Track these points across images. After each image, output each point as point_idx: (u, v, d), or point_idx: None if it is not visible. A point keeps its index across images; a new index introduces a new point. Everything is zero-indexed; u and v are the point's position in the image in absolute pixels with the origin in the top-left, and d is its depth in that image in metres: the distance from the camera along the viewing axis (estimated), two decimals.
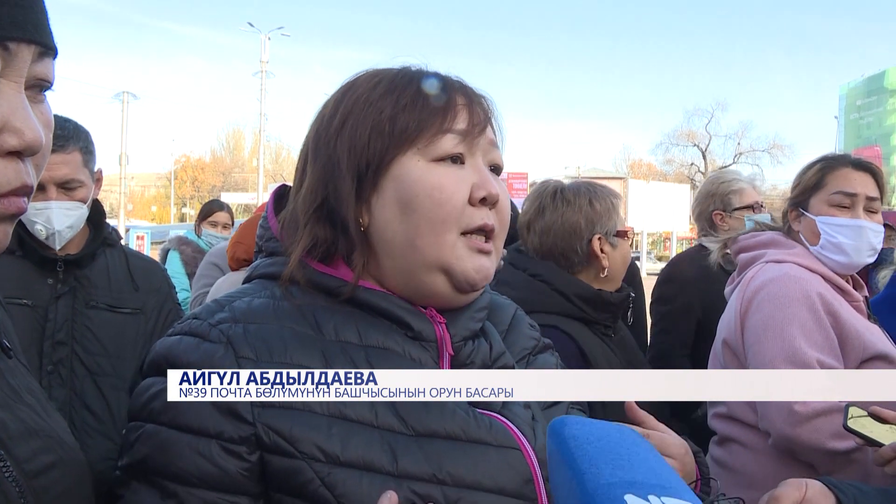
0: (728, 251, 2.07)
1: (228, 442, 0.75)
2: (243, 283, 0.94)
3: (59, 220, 1.79)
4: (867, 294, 1.92)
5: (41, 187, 1.76)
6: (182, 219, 50.09)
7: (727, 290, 1.99)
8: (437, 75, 0.88)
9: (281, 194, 0.97)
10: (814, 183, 1.83)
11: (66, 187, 1.80)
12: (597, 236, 1.81)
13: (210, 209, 4.67)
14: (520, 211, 2.00)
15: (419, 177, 0.83)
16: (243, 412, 0.75)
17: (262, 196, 30.19)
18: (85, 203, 1.85)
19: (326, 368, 0.77)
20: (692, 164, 50.74)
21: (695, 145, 50.51)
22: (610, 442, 0.53)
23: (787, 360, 1.62)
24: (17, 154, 0.58)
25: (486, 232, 0.86)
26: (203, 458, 0.74)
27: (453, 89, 0.87)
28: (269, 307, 0.83)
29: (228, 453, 0.75)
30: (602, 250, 1.81)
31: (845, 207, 1.78)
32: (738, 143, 49.86)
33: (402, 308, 0.85)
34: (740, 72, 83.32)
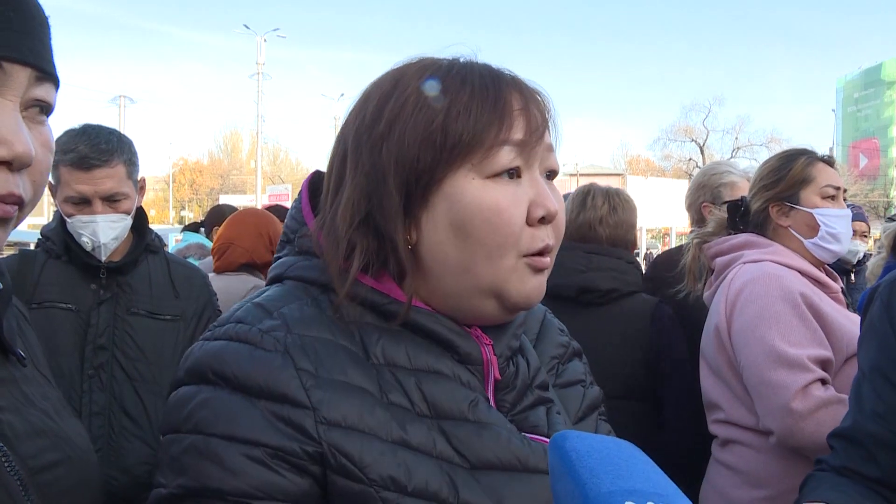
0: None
1: (296, 457, 0.70)
2: (269, 279, 0.86)
3: (104, 233, 1.84)
4: (843, 285, 1.97)
5: (87, 201, 1.82)
6: (181, 221, 50.06)
7: (706, 294, 2.00)
8: (490, 73, 0.80)
9: (313, 181, 0.89)
10: (803, 177, 1.87)
11: (111, 200, 1.84)
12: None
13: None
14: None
15: (474, 197, 0.75)
16: (309, 428, 0.70)
17: (260, 198, 30.18)
18: (129, 214, 1.90)
19: (381, 392, 0.74)
20: (690, 159, 50.75)
21: (692, 140, 50.57)
22: (609, 454, 0.56)
23: (772, 363, 1.64)
24: (7, 165, 0.62)
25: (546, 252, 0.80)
26: (267, 469, 0.69)
27: (508, 91, 0.78)
28: (322, 318, 0.77)
29: (296, 469, 0.70)
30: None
31: (832, 199, 1.87)
32: (736, 138, 49.94)
33: (451, 330, 0.80)
34: (737, 66, 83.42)
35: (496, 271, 0.77)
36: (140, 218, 1.99)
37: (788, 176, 1.88)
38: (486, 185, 0.76)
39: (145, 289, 1.95)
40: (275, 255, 0.88)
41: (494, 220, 0.75)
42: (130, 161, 1.88)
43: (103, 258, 1.88)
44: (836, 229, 1.85)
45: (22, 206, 0.65)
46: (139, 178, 1.95)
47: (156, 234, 2.07)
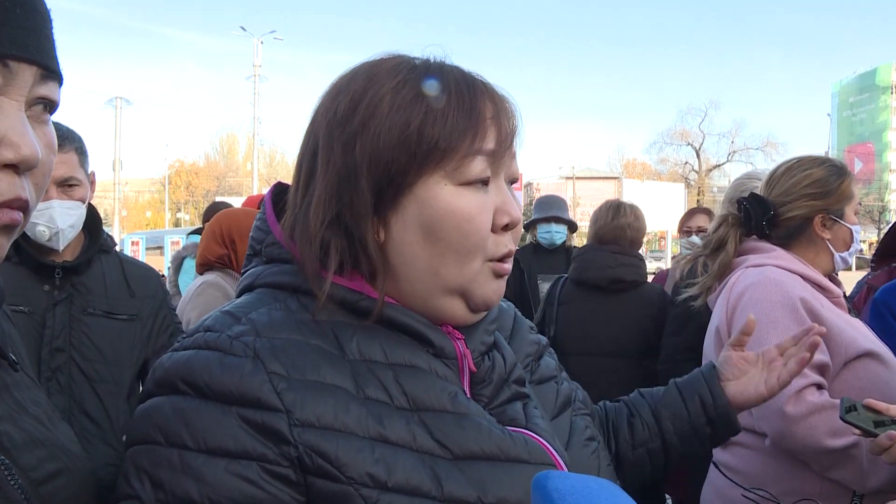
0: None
1: (273, 464, 0.68)
2: (240, 290, 0.85)
3: (61, 219, 1.81)
4: (846, 291, 1.98)
5: None
6: (177, 223, 50.00)
7: (710, 297, 2.01)
8: (464, 79, 0.79)
9: (277, 192, 0.89)
10: (849, 193, 1.89)
11: (66, 185, 1.82)
12: None
13: None
14: None
15: (447, 203, 0.76)
16: (283, 431, 0.69)
17: None
18: (83, 203, 1.87)
19: (357, 388, 0.74)
20: (686, 162, 50.97)
21: (689, 144, 50.77)
22: (590, 494, 0.57)
23: None
24: (14, 168, 0.59)
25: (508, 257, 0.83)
26: (249, 484, 0.68)
27: (481, 99, 0.78)
28: (291, 321, 0.77)
29: (275, 477, 0.68)
30: None
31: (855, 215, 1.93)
32: (732, 142, 50.15)
33: (423, 324, 0.80)
34: (733, 70, 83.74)
35: (463, 274, 0.79)
36: (92, 217, 1.97)
37: (840, 190, 1.87)
38: (458, 192, 0.77)
39: (100, 289, 1.92)
40: (243, 268, 0.88)
41: (465, 227, 0.77)
42: (81, 150, 1.87)
43: (61, 246, 1.84)
44: (858, 245, 1.92)
45: (27, 210, 0.62)
46: (90, 172, 1.93)
47: (108, 234, 2.05)
